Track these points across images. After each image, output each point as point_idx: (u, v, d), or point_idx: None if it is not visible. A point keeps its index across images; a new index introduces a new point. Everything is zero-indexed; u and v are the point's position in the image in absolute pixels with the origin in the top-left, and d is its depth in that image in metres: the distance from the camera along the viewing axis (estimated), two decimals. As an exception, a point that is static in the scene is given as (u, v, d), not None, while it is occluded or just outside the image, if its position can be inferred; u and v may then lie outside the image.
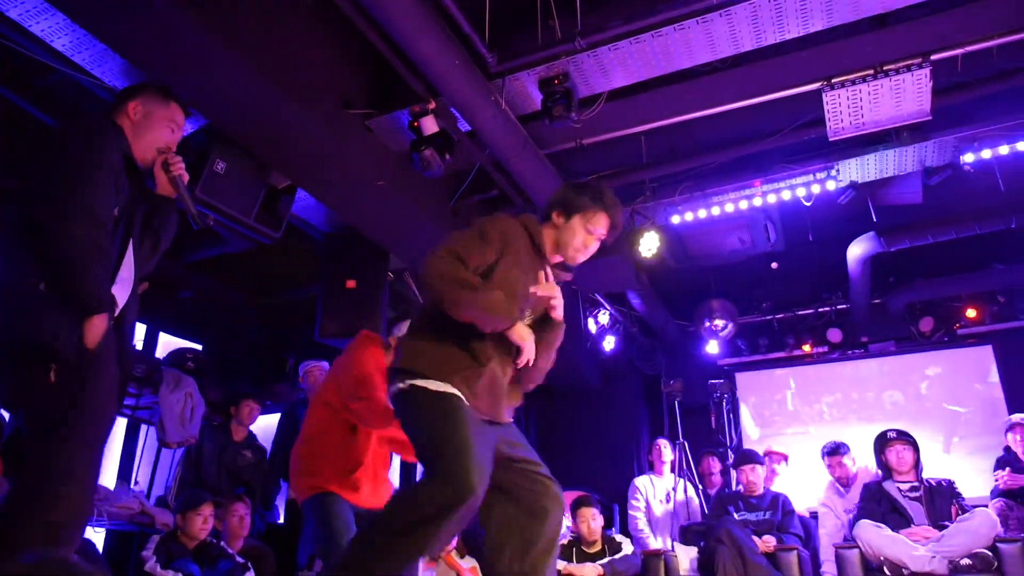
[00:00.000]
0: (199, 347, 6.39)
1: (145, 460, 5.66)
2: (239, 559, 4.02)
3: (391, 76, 4.00)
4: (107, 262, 1.87)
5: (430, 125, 4.00)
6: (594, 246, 2.38)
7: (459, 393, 2.08)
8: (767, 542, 4.60)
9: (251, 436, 5.24)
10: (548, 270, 2.36)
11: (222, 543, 4.11)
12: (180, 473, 5.06)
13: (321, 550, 2.89)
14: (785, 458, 6.07)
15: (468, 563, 4.68)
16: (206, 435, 5.05)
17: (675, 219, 5.51)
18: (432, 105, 3.98)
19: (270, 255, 5.48)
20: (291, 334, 7.08)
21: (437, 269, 2.16)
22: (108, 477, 5.49)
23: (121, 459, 5.75)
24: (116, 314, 1.97)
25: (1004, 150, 4.78)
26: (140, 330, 6.29)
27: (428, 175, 4.17)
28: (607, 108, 4.21)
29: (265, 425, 5.70)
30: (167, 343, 6.44)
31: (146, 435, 5.68)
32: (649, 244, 5.27)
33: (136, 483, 5.42)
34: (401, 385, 2.13)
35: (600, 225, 2.34)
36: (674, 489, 5.62)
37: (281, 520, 5.44)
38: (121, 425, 5.81)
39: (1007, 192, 5.30)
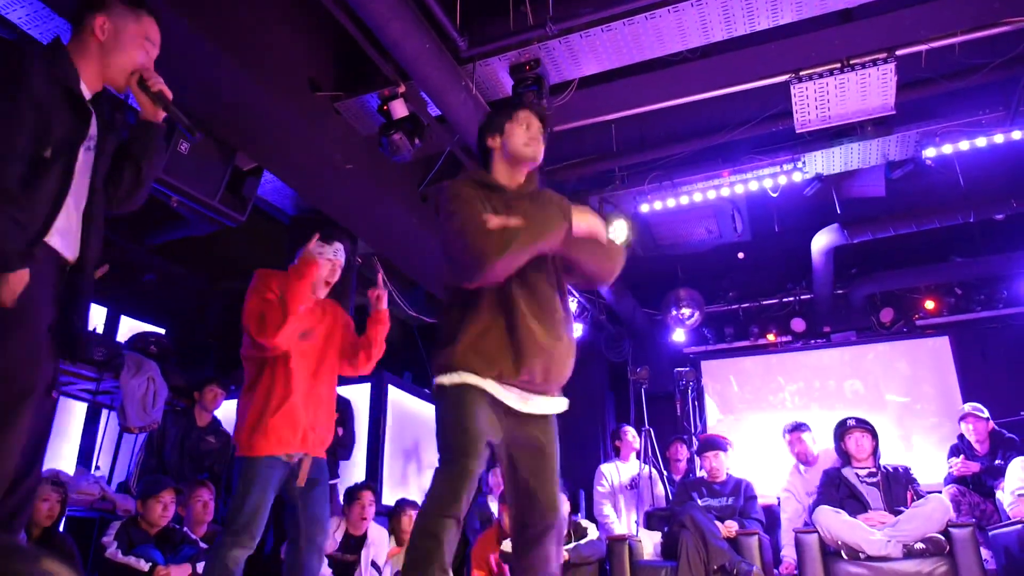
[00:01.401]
0: (162, 331, 6.28)
1: (106, 445, 5.56)
2: (202, 544, 3.98)
3: (361, 59, 3.95)
4: (16, 210, 1.62)
5: (399, 109, 3.97)
6: (541, 137, 2.33)
7: (470, 381, 2.04)
8: (729, 527, 4.68)
9: (215, 421, 5.18)
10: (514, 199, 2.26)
11: (185, 529, 4.07)
12: (142, 459, 4.98)
13: None
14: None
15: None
16: (169, 420, 4.98)
17: (644, 208, 5.54)
18: (402, 89, 3.95)
19: (235, 238, 5.40)
20: (257, 319, 6.99)
21: (458, 236, 2.03)
22: (68, 463, 5.39)
23: (81, 444, 5.65)
24: (72, 262, 1.80)
25: (964, 146, 4.88)
26: (101, 313, 6.17)
27: (397, 159, 4.13)
28: (578, 95, 4.21)
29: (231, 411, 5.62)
30: (129, 327, 6.32)
31: (107, 420, 5.58)
32: (618, 232, 5.30)
33: (97, 468, 5.33)
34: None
35: (532, 120, 2.31)
36: (639, 475, 5.69)
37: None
38: (81, 410, 5.71)
39: (966, 187, 5.43)
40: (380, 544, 4.44)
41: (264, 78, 3.64)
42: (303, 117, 3.93)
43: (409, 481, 6.06)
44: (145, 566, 3.64)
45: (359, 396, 5.77)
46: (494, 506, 5.29)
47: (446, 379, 2.06)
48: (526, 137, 2.29)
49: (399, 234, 5.15)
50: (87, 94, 1.86)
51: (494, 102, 4.25)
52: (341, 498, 4.59)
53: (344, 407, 4.79)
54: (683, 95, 4.40)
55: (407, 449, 6.18)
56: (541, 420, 2.16)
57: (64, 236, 1.77)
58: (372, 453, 6.79)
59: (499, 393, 2.07)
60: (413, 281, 5.83)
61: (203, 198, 4.14)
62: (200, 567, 3.81)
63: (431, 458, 6.15)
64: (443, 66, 3.74)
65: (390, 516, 4.88)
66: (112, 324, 6.27)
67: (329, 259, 2.98)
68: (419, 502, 5.35)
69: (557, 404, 2.21)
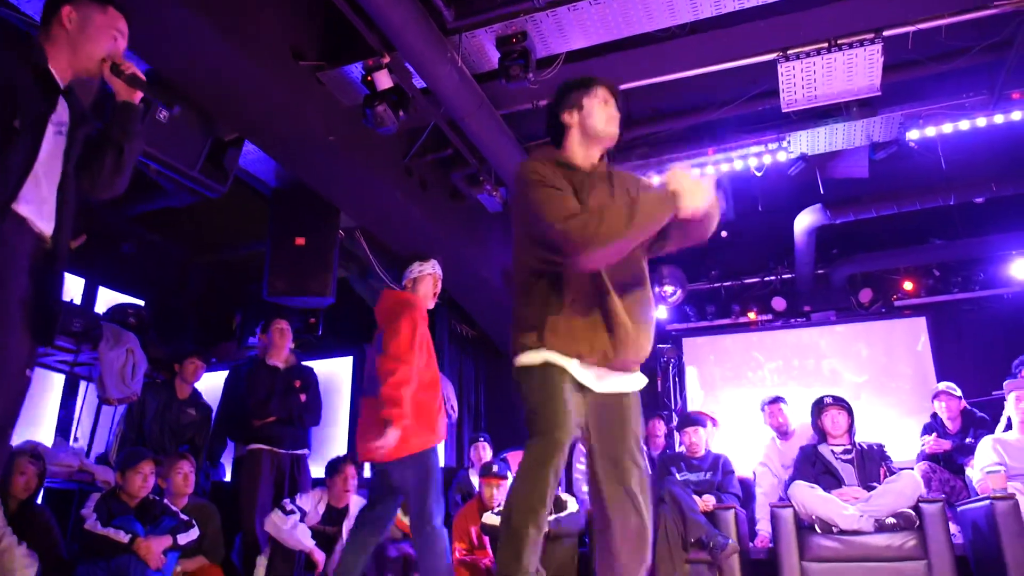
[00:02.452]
0: (141, 303, 6.21)
1: (85, 417, 5.52)
2: (183, 516, 3.98)
3: (345, 28, 3.88)
4: None
5: (384, 80, 3.92)
6: (616, 115, 2.27)
7: (554, 360, 2.04)
8: (707, 501, 4.75)
9: (196, 394, 5.15)
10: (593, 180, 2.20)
11: (165, 500, 4.06)
12: (122, 431, 4.95)
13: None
14: (714, 421, 6.26)
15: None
16: (149, 393, 4.95)
17: (629, 185, 5.52)
18: (387, 60, 3.89)
19: (216, 209, 5.33)
20: (238, 291, 6.94)
21: (559, 226, 1.97)
22: (46, 434, 5.34)
23: (60, 416, 5.60)
24: (47, 237, 1.83)
25: (947, 128, 4.91)
26: (78, 284, 6.08)
27: (381, 132, 4.09)
28: (564, 70, 4.17)
29: (215, 384, 5.59)
30: (107, 298, 6.24)
31: (86, 392, 5.53)
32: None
33: (75, 440, 5.29)
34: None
35: (607, 96, 2.25)
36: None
37: (227, 477, 5.39)
38: (59, 382, 5.65)
39: (948, 170, 5.48)
40: (361, 517, 4.46)
41: (246, 46, 3.57)
42: (285, 87, 3.87)
43: (391, 455, 6.08)
44: (125, 537, 3.62)
45: (342, 369, 5.75)
46: (475, 480, 5.33)
47: (527, 359, 2.07)
48: (607, 115, 2.23)
49: (383, 207, 5.10)
50: (58, 80, 1.93)
51: (479, 75, 4.21)
52: (320, 471, 4.60)
53: (307, 374, 4.82)
54: (670, 71, 4.37)
55: (389, 423, 6.19)
56: (622, 396, 2.15)
57: (37, 206, 1.80)
58: (354, 426, 6.78)
59: (579, 373, 2.07)
60: (397, 255, 5.79)
61: (183, 168, 4.07)
62: (180, 538, 3.81)
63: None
64: (429, 37, 3.69)
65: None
66: (90, 295, 6.18)
67: (430, 274, 3.40)
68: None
69: (636, 381, 2.20)
